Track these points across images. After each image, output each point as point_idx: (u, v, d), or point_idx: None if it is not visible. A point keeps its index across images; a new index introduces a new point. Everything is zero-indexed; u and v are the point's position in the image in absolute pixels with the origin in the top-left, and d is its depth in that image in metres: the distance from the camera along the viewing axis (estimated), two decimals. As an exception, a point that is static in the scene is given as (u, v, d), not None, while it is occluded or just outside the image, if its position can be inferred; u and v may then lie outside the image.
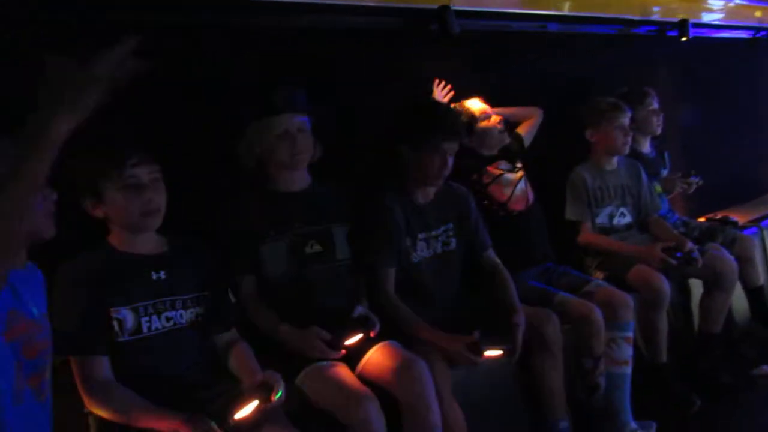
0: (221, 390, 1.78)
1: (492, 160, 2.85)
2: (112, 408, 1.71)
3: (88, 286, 1.74)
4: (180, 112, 2.21)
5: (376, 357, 2.13)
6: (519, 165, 2.90)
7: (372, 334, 2.15)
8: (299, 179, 2.26)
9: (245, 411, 1.70)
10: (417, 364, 2.04)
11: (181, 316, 1.85)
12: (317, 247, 2.21)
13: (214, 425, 1.60)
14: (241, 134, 2.18)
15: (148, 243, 1.86)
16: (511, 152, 2.93)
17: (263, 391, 1.74)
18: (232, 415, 1.66)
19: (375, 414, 1.92)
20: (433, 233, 2.46)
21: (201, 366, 1.88)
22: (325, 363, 2.06)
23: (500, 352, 2.26)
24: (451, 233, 2.51)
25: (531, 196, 2.88)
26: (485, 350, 2.22)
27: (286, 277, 2.17)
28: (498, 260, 2.56)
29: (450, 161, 2.39)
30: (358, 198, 2.38)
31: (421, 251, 2.44)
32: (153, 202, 1.79)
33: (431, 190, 2.48)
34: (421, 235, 2.43)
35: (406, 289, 2.38)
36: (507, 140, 2.92)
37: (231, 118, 2.21)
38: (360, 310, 2.20)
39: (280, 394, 1.75)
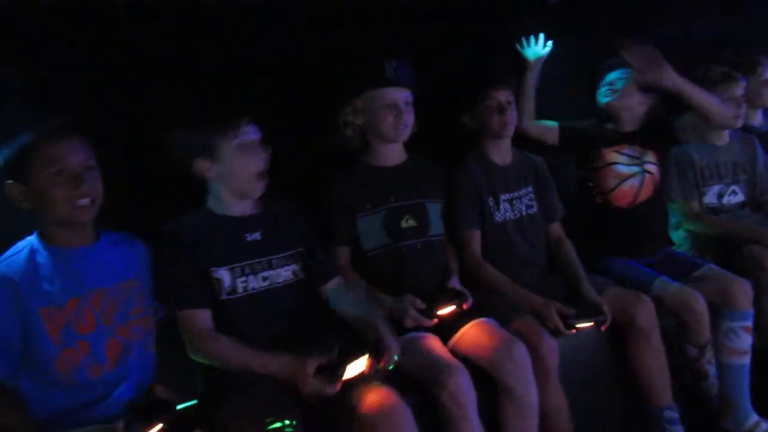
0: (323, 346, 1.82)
1: (620, 139, 2.68)
2: (216, 356, 1.80)
3: (189, 247, 1.83)
4: (286, 81, 2.30)
5: (472, 333, 2.13)
6: (649, 159, 2.67)
7: (465, 306, 2.16)
8: (396, 154, 2.30)
9: (355, 369, 1.69)
10: (517, 346, 2.03)
11: (278, 275, 1.92)
12: (412, 222, 2.24)
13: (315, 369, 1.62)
14: (346, 105, 2.23)
15: (244, 206, 1.94)
16: (650, 139, 2.68)
17: (377, 353, 1.72)
18: (343, 369, 1.65)
19: (466, 386, 1.93)
20: (516, 194, 2.47)
21: (300, 324, 1.93)
22: (418, 333, 2.09)
23: (591, 324, 2.22)
24: (532, 197, 2.51)
25: (645, 193, 2.67)
26: (576, 323, 2.19)
27: (381, 250, 2.21)
28: (563, 234, 2.54)
29: (510, 110, 2.39)
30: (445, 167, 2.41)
31: (505, 212, 2.44)
32: (264, 162, 1.87)
33: (507, 152, 2.49)
34: (503, 196, 2.44)
35: (494, 252, 2.39)
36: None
37: (336, 90, 2.26)
38: (454, 282, 2.22)
39: (391, 367, 1.75)
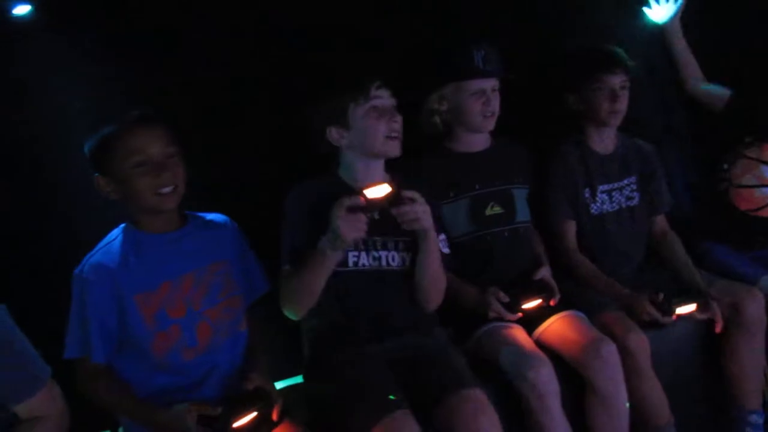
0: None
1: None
2: (299, 303, 1.82)
3: (311, 210, 1.84)
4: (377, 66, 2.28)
5: (559, 326, 2.08)
6: None
7: (552, 303, 2.10)
8: (481, 140, 2.26)
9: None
10: (606, 345, 1.96)
11: (392, 258, 1.91)
12: (497, 209, 2.20)
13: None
14: (433, 93, 2.20)
15: (375, 175, 1.89)
16: None
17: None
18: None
19: (549, 379, 1.89)
20: (616, 185, 2.35)
21: (406, 309, 1.93)
22: (502, 323, 2.07)
23: (693, 307, 2.11)
24: (634, 187, 2.37)
25: None
26: (676, 307, 2.08)
27: (465, 238, 2.19)
28: (668, 227, 2.40)
29: (622, 97, 2.26)
30: (537, 154, 2.34)
31: (603, 204, 2.34)
32: (395, 123, 1.86)
33: (611, 140, 2.37)
34: (602, 187, 2.34)
35: (590, 245, 2.31)
36: None
37: (424, 77, 2.25)
38: (542, 274, 2.15)
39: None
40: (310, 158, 1.95)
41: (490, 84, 2.16)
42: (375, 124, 1.85)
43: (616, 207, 2.35)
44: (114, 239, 1.69)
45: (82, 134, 1.68)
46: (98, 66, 1.99)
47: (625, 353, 1.98)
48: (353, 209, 1.68)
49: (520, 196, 2.25)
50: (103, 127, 1.64)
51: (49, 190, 2.01)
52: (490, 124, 2.19)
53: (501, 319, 2.06)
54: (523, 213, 2.25)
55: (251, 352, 1.78)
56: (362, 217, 1.69)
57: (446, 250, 1.99)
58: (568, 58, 2.39)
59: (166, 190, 1.64)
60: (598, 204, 2.34)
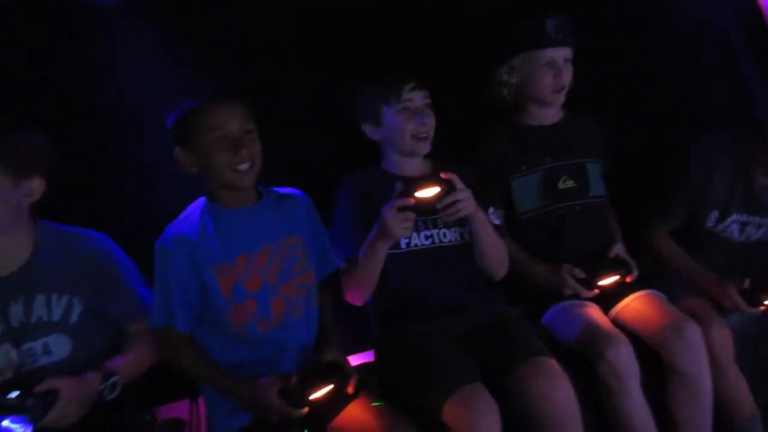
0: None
1: None
2: (361, 292, 1.86)
3: (361, 200, 1.88)
4: (446, 41, 2.28)
5: (638, 305, 1.99)
6: None
7: (629, 279, 2.01)
8: (553, 113, 2.18)
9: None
10: (691, 327, 1.87)
11: (444, 235, 1.90)
12: (570, 183, 2.12)
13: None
14: (502, 64, 2.14)
15: (415, 168, 1.97)
16: None
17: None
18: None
19: (627, 359, 1.81)
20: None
21: (468, 285, 1.91)
22: (576, 301, 1.99)
23: None
24: None
25: None
26: (764, 299, 1.97)
27: (537, 212, 2.12)
28: None
29: None
30: (614, 131, 2.23)
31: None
32: (423, 126, 1.91)
33: None
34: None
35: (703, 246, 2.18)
36: None
37: (493, 48, 2.18)
38: (617, 250, 2.06)
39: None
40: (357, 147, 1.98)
41: (562, 54, 2.07)
42: (404, 124, 1.91)
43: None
44: (193, 212, 1.71)
45: (160, 111, 1.71)
46: (173, 48, 2.04)
47: (709, 342, 1.88)
48: (403, 209, 1.70)
49: (594, 170, 2.16)
50: (185, 102, 1.66)
51: (130, 165, 2.06)
52: (561, 98, 2.12)
53: (575, 296, 1.99)
54: (596, 187, 2.15)
55: (324, 327, 1.78)
56: (410, 216, 1.72)
57: (497, 221, 1.97)
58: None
59: (243, 166, 1.65)
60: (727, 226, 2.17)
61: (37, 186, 1.61)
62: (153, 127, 1.77)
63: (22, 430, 1.39)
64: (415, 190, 1.70)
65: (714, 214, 2.15)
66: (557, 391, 1.66)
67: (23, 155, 1.58)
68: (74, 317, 1.61)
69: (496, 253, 1.92)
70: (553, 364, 1.70)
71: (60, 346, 1.60)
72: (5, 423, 1.39)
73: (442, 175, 1.73)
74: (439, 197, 1.73)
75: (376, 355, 1.95)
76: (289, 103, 2.16)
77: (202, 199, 1.73)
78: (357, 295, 1.87)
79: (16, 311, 1.58)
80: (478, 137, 2.17)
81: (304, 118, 2.21)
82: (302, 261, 1.75)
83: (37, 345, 1.58)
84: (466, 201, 1.76)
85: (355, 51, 2.21)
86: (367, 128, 1.97)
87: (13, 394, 1.36)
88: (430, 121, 1.92)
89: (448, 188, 1.73)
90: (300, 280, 1.73)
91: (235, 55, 2.12)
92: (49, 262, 1.62)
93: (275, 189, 1.80)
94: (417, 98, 1.91)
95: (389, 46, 2.21)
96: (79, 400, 1.48)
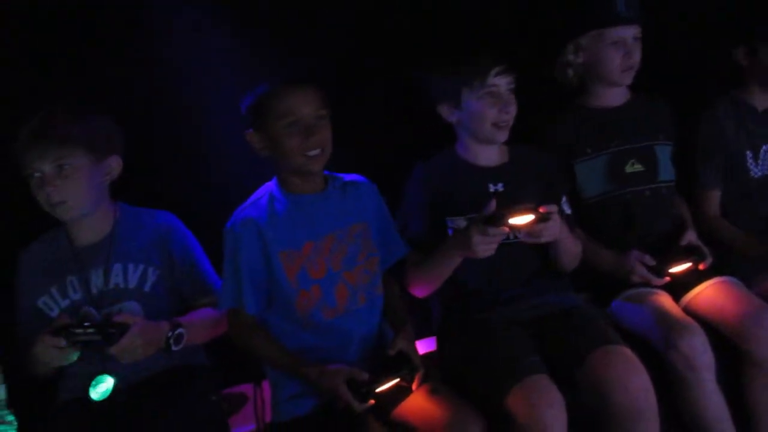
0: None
1: None
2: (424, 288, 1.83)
3: (432, 190, 1.84)
4: (511, 21, 2.24)
5: (712, 293, 1.91)
6: None
7: (702, 266, 1.93)
8: (619, 93, 2.09)
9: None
10: None
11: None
12: (638, 166, 2.04)
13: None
14: (569, 44, 2.06)
15: (492, 153, 1.89)
16: None
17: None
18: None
19: (702, 349, 1.74)
20: None
21: (534, 273, 1.86)
22: (644, 289, 1.92)
23: None
24: None
25: None
26: None
27: (603, 197, 2.04)
28: None
29: None
30: (684, 111, 2.14)
31: (765, 166, 2.11)
32: (506, 114, 1.82)
33: None
34: (766, 147, 2.11)
35: (751, 213, 2.11)
36: None
37: (559, 27, 2.12)
38: (689, 237, 1.98)
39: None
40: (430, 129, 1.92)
41: (632, 32, 1.99)
42: (486, 111, 1.81)
43: None
44: (262, 196, 1.71)
45: (232, 94, 1.73)
46: (245, 30, 2.06)
47: None
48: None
49: (664, 153, 2.07)
50: (259, 85, 1.67)
51: (200, 148, 2.09)
52: (629, 78, 2.03)
53: (644, 284, 1.92)
54: (666, 172, 2.07)
55: (393, 316, 1.77)
56: (498, 240, 1.66)
57: (568, 211, 1.90)
58: (739, 8, 2.16)
59: (314, 152, 1.65)
60: (759, 166, 2.11)
61: (114, 165, 1.71)
62: (224, 110, 1.79)
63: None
64: (509, 217, 1.62)
65: (748, 155, 2.08)
66: (634, 379, 1.60)
67: (101, 136, 1.68)
68: (148, 287, 1.69)
69: (570, 254, 1.85)
70: (628, 352, 1.64)
71: (133, 313, 1.66)
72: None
73: (542, 210, 1.64)
74: (531, 225, 1.65)
75: (438, 343, 1.92)
76: (361, 87, 2.15)
77: (271, 183, 1.73)
78: (421, 290, 1.84)
79: (95, 279, 1.69)
80: (541, 121, 2.10)
81: (375, 104, 2.19)
82: (367, 248, 1.73)
83: (114, 309, 1.66)
84: (552, 229, 1.69)
85: (426, 31, 2.16)
86: (444, 109, 1.86)
87: (88, 324, 1.53)
88: (513, 109, 1.82)
89: (542, 218, 1.65)
90: (364, 267, 1.72)
91: (308, 37, 2.12)
92: (127, 236, 1.71)
93: (341, 176, 1.79)
94: (502, 84, 1.80)
95: (460, 24, 2.16)
96: (146, 338, 1.54)
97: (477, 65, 1.80)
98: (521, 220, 1.63)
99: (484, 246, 1.65)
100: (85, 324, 1.53)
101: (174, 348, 1.58)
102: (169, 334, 1.58)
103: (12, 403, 1.64)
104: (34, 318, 1.68)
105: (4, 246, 1.79)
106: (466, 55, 1.84)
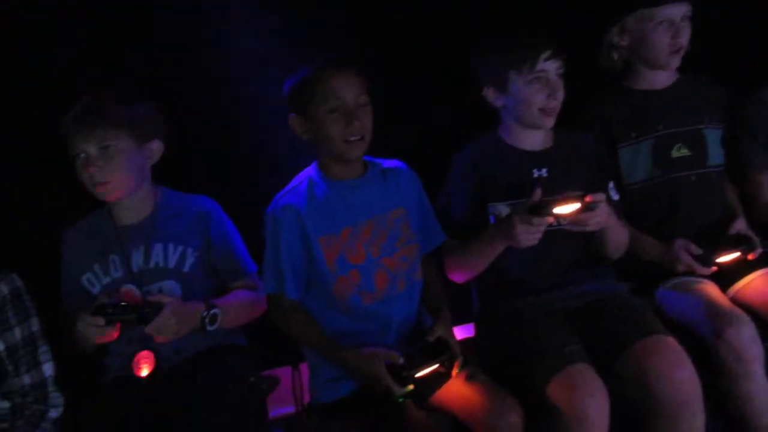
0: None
1: None
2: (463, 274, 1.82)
3: (475, 175, 1.82)
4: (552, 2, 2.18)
5: (763, 284, 1.86)
6: None
7: (751, 256, 1.87)
8: (666, 75, 2.02)
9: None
10: None
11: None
12: (685, 151, 1.98)
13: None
14: (614, 25, 1.99)
15: (536, 138, 1.86)
16: None
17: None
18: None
19: (751, 340, 1.69)
20: None
21: (576, 260, 1.82)
22: (691, 278, 1.87)
23: None
24: None
25: None
26: None
27: (647, 183, 1.99)
28: None
29: None
30: (735, 93, 2.06)
31: None
32: (554, 100, 1.78)
33: None
34: None
35: None
36: None
37: (604, 8, 2.05)
38: (739, 225, 1.92)
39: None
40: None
41: (681, 11, 1.92)
42: (533, 96, 1.77)
43: None
44: (301, 182, 1.72)
45: (273, 78, 1.73)
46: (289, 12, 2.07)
47: None
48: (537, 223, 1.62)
49: (713, 137, 2.00)
50: (303, 68, 1.66)
51: (239, 132, 2.11)
52: (677, 61, 1.96)
53: (689, 273, 1.86)
54: (715, 156, 2.00)
55: (432, 302, 1.76)
56: (542, 230, 1.63)
57: (615, 197, 1.85)
58: None
59: (354, 138, 1.64)
60: None
61: (156, 149, 1.75)
62: (265, 93, 1.80)
63: None
64: (554, 206, 1.59)
65: None
66: (679, 370, 1.57)
67: (145, 120, 1.71)
68: (187, 267, 1.72)
69: (617, 242, 1.81)
70: (673, 343, 1.61)
71: (172, 292, 1.70)
72: None
73: (588, 199, 1.60)
74: (577, 213, 1.62)
75: (477, 329, 1.90)
76: (405, 71, 2.13)
77: (310, 169, 1.73)
78: (460, 275, 1.82)
79: (136, 258, 1.73)
80: (584, 104, 2.04)
81: (417, 88, 2.16)
82: (406, 234, 1.72)
83: (154, 288, 1.71)
84: (599, 217, 1.65)
85: (474, 14, 2.13)
86: (490, 93, 1.83)
87: (125, 303, 1.58)
88: (561, 95, 1.77)
89: (588, 207, 1.61)
90: (403, 253, 1.71)
91: (352, 20, 2.10)
92: (167, 218, 1.75)
93: (381, 161, 1.77)
94: (552, 69, 1.76)
95: (509, 7, 2.12)
96: (180, 317, 1.58)
97: (527, 49, 1.76)
98: (566, 208, 1.60)
99: (528, 235, 1.62)
100: (123, 303, 1.57)
101: (209, 328, 1.61)
102: (204, 314, 1.61)
103: (60, 380, 1.68)
104: (78, 295, 1.73)
105: (51, 224, 1.83)
106: (516, 38, 1.80)
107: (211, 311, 1.62)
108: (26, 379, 1.63)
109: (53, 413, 1.64)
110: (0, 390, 1.64)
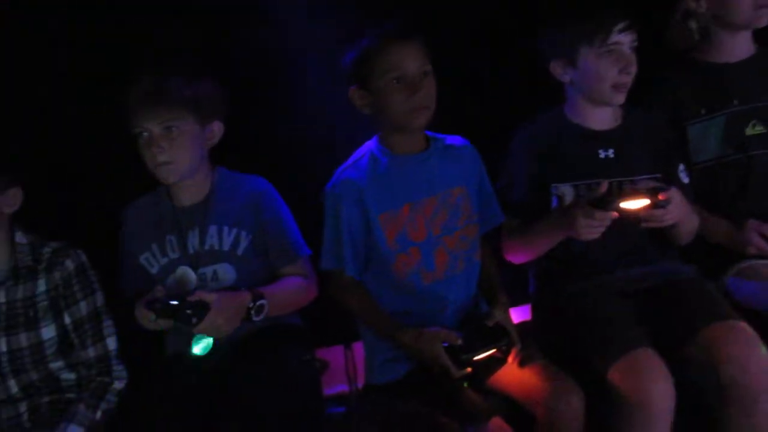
0: None
1: None
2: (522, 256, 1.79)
3: (538, 154, 1.77)
4: None
5: None
6: None
7: None
8: (743, 46, 1.91)
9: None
10: None
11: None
12: (760, 128, 1.87)
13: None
14: None
15: (604, 116, 1.79)
16: None
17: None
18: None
19: None
20: None
21: (639, 241, 1.76)
22: (762, 261, 1.80)
23: None
24: None
25: None
26: None
27: (717, 162, 1.90)
28: None
29: None
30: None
31: None
32: (627, 75, 1.71)
33: None
34: None
35: None
36: None
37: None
38: None
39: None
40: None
41: None
42: (606, 71, 1.69)
43: None
44: (363, 155, 1.69)
45: (329, 52, 1.71)
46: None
47: None
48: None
49: (792, 114, 1.89)
50: (363, 39, 1.63)
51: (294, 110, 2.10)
52: (764, 19, 1.83)
53: (760, 257, 1.78)
54: (793, 134, 1.89)
55: (490, 285, 1.73)
56: (605, 224, 1.56)
57: (686, 180, 1.77)
58: None
59: (418, 109, 1.61)
60: None
61: (217, 130, 1.72)
62: (322, 68, 1.78)
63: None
64: (621, 200, 1.52)
65: None
66: (753, 358, 1.50)
67: (208, 100, 1.69)
68: (241, 250, 1.71)
69: (688, 231, 1.74)
70: (747, 329, 1.54)
71: (227, 275, 1.70)
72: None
73: (661, 197, 1.53)
74: (646, 210, 1.55)
75: (534, 311, 1.87)
76: (464, 43, 2.08)
77: (371, 143, 1.71)
78: (518, 258, 1.79)
79: (192, 239, 1.72)
80: (650, 79, 1.94)
81: (478, 62, 2.12)
82: (467, 213, 1.69)
83: (209, 270, 1.70)
84: (671, 213, 1.58)
85: None
86: (557, 67, 1.75)
87: (174, 301, 1.53)
88: (635, 70, 1.70)
89: (658, 204, 1.53)
90: (463, 232, 1.68)
91: None
92: (223, 199, 1.73)
93: (443, 137, 1.74)
94: (626, 42, 1.68)
95: None
96: (227, 313, 1.55)
97: (600, 20, 1.68)
98: (634, 204, 1.52)
99: (590, 229, 1.57)
100: (172, 303, 1.54)
101: (255, 318, 1.60)
102: (250, 305, 1.59)
103: (123, 355, 1.72)
104: (137, 273, 1.75)
105: (112, 201, 1.85)
106: (588, 9, 1.72)
107: (258, 302, 1.59)
108: (91, 352, 1.68)
109: (117, 384, 1.68)
110: (67, 362, 1.69)
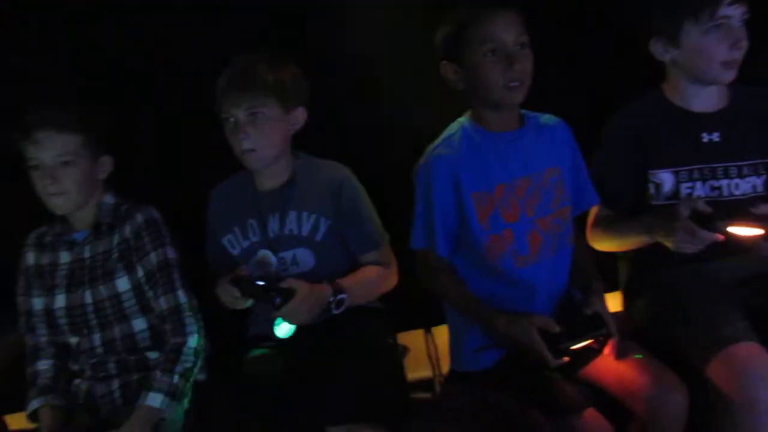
0: None
1: None
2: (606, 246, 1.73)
3: (635, 140, 1.69)
4: None
5: None
6: None
7: None
8: None
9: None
10: None
11: (735, 186, 1.66)
12: None
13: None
14: None
15: (709, 97, 1.69)
16: None
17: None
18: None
19: None
20: None
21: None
22: None
23: None
24: None
25: None
26: None
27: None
28: None
29: None
30: None
31: None
32: (737, 51, 1.60)
33: None
34: None
35: None
36: None
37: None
38: None
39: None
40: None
41: None
42: (714, 48, 1.59)
43: None
44: (455, 133, 1.64)
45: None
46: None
47: None
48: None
49: None
50: (457, 12, 1.58)
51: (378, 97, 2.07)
52: None
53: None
54: None
55: (585, 272, 1.67)
56: (707, 243, 1.46)
57: None
58: None
59: (514, 83, 1.54)
60: None
61: (300, 116, 1.72)
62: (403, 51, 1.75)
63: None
64: (729, 224, 1.42)
65: None
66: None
67: (292, 87, 1.69)
68: (320, 236, 1.71)
69: None
70: None
71: (306, 260, 1.71)
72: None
73: None
74: (757, 240, 1.44)
75: (625, 300, 1.79)
76: (558, 18, 2.00)
77: (464, 119, 1.65)
78: (602, 246, 1.72)
79: (272, 223, 1.73)
80: (754, 55, 1.84)
81: (573, 39, 2.02)
82: (560, 195, 1.63)
83: (288, 255, 1.71)
84: None
85: None
86: (658, 46, 1.66)
87: (261, 282, 1.58)
88: (746, 45, 1.59)
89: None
90: (557, 215, 1.62)
91: None
92: (303, 185, 1.73)
93: (537, 115, 1.67)
94: (736, 14, 1.57)
95: None
96: (310, 303, 1.57)
97: None
98: (744, 231, 1.42)
99: (689, 245, 1.48)
100: (259, 283, 1.57)
101: (334, 311, 1.60)
102: (331, 299, 1.59)
103: (208, 335, 1.74)
104: (221, 254, 1.77)
105: (198, 184, 1.87)
106: None
107: (338, 296, 1.60)
108: (163, 303, 1.71)
109: (191, 342, 1.69)
110: (147, 317, 1.74)
